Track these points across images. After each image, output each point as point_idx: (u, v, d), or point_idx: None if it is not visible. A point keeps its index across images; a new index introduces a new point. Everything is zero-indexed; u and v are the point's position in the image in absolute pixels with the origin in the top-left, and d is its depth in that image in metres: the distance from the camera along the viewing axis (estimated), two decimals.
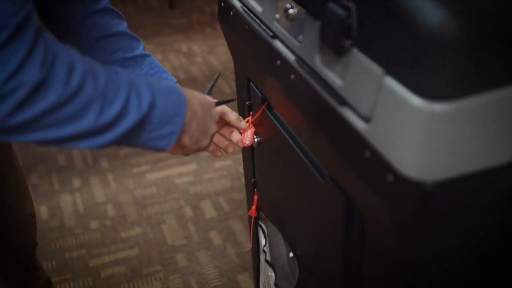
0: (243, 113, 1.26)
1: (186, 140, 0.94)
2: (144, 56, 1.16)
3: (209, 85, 1.14)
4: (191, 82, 3.30)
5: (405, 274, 0.79)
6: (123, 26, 1.15)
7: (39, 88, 0.69)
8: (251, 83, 1.17)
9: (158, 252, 2.23)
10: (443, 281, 0.80)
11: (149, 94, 0.83)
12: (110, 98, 0.77)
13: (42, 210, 2.45)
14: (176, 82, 1.12)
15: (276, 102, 1.07)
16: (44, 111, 0.71)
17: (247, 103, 1.21)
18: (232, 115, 1.12)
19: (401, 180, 0.67)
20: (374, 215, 0.78)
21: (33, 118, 0.70)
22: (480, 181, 0.68)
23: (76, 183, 2.61)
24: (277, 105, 1.07)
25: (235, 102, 1.25)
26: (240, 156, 1.41)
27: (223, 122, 1.14)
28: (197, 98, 0.97)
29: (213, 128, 1.01)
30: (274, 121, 1.07)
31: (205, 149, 1.02)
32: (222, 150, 1.18)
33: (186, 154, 1.03)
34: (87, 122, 0.76)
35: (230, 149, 1.19)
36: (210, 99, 1.03)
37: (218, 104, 1.09)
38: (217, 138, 1.17)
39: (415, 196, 0.67)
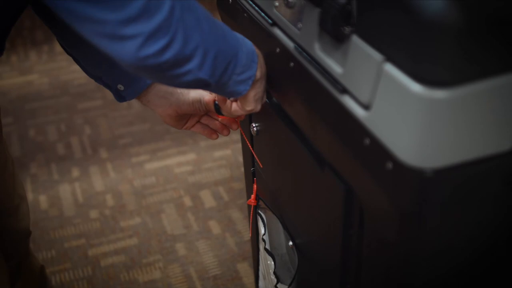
0: None
1: (251, 95, 0.98)
2: None
3: None
4: None
5: (405, 263, 0.78)
6: None
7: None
8: None
9: (158, 242, 2.23)
10: (444, 270, 0.79)
11: (235, 35, 0.92)
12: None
13: (41, 200, 2.44)
14: None
15: (275, 90, 1.06)
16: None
17: None
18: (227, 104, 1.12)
19: (400, 168, 0.66)
20: (373, 203, 0.78)
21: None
22: (481, 169, 0.68)
23: (75, 172, 2.60)
24: (276, 93, 1.06)
25: None
26: (240, 145, 1.41)
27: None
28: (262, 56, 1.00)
29: (265, 97, 1.04)
30: (274, 109, 1.06)
31: (254, 111, 1.03)
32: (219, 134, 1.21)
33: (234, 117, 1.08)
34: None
35: (225, 131, 1.21)
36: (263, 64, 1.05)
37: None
38: (207, 120, 1.19)
39: (415, 184, 0.66)
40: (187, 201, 2.41)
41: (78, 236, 2.27)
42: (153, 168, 2.61)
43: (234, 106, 1.03)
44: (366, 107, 0.72)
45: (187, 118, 1.16)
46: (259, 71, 0.96)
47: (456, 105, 0.64)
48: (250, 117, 1.21)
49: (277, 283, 1.21)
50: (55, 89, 3.25)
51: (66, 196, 2.46)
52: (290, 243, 1.16)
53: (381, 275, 0.84)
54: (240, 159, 2.43)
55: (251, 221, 1.38)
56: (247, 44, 0.94)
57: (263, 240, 1.26)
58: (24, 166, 2.63)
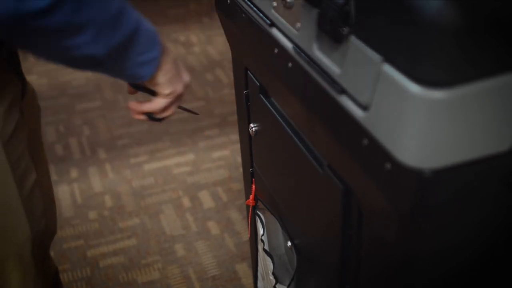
0: (240, 103, 1.25)
1: (160, 74, 0.92)
2: None
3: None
4: (189, 72, 3.28)
5: (404, 264, 0.78)
6: None
7: None
8: (248, 72, 1.16)
9: (156, 242, 2.23)
10: (443, 271, 0.79)
11: (135, 13, 0.85)
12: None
13: None
14: None
15: (273, 91, 1.06)
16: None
17: (244, 92, 1.20)
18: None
19: (399, 168, 0.66)
20: (372, 204, 0.78)
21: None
22: (480, 169, 0.68)
23: (74, 173, 2.60)
24: (274, 93, 1.06)
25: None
26: (238, 146, 1.41)
27: None
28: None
29: (186, 78, 0.99)
30: (272, 110, 1.06)
31: (178, 98, 0.99)
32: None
33: (153, 117, 1.00)
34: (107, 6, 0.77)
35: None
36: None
37: (181, 108, 1.09)
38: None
39: (413, 184, 0.66)
40: (186, 202, 2.41)
41: (77, 237, 2.27)
42: (152, 168, 2.60)
43: (155, 101, 0.98)
44: (364, 107, 0.72)
45: None
46: (161, 49, 0.91)
47: (454, 105, 0.64)
48: (249, 117, 1.21)
49: (276, 283, 1.21)
50: (54, 90, 3.25)
51: (64, 197, 2.46)
52: (289, 243, 1.16)
53: (380, 275, 0.84)
54: (239, 159, 2.43)
55: (249, 221, 1.38)
56: (147, 23, 0.89)
57: (262, 241, 1.26)
58: None
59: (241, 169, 1.47)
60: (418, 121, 0.64)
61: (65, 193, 2.48)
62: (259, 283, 1.43)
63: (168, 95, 0.97)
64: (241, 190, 2.38)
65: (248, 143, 1.28)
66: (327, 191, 0.90)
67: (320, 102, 0.83)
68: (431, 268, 0.78)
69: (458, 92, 0.63)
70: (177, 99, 1.00)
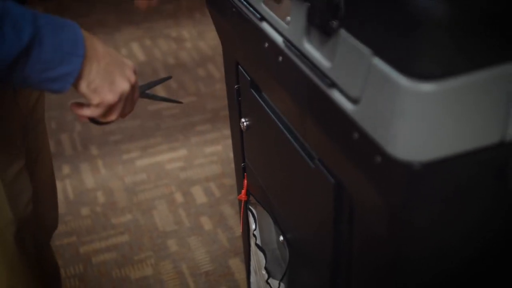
0: (231, 97, 1.25)
1: (83, 85, 0.85)
2: None
3: (153, 81, 1.08)
4: (181, 67, 3.28)
5: (396, 258, 0.78)
6: None
7: None
8: (239, 67, 1.16)
9: (149, 238, 2.22)
10: (435, 265, 0.79)
11: (31, 24, 0.76)
12: None
13: None
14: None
15: (264, 85, 1.06)
16: None
17: (235, 87, 1.20)
18: None
19: (389, 162, 0.66)
20: (363, 197, 0.78)
21: None
22: (470, 162, 0.68)
23: (66, 170, 2.59)
24: (265, 88, 1.06)
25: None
26: (230, 141, 1.41)
27: None
28: (106, 46, 0.88)
29: (123, 85, 0.89)
30: (263, 104, 1.06)
31: (113, 109, 0.90)
32: None
33: (96, 121, 0.93)
34: None
35: None
36: (129, 62, 0.94)
37: (151, 84, 1.04)
38: None
39: (403, 178, 0.66)
40: (179, 197, 2.41)
41: (69, 233, 2.27)
42: (144, 164, 2.60)
43: (85, 109, 0.91)
44: (354, 101, 0.71)
45: None
46: (87, 60, 0.83)
47: (444, 98, 0.64)
48: (240, 112, 1.21)
49: (268, 278, 1.21)
50: None
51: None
52: (281, 238, 1.16)
53: (372, 270, 0.84)
54: (231, 155, 2.43)
55: (241, 216, 1.38)
56: (62, 33, 0.80)
57: (254, 236, 1.26)
58: None
59: (233, 165, 1.47)
60: (408, 114, 0.64)
61: (57, 189, 2.47)
62: (252, 278, 1.43)
63: (96, 105, 0.89)
64: (233, 186, 2.38)
65: (239, 138, 1.28)
66: (318, 186, 0.90)
67: (310, 96, 0.83)
68: (424, 263, 0.78)
69: (448, 85, 0.63)
70: (112, 108, 0.91)
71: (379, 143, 0.67)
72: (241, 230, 1.41)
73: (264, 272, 1.22)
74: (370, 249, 0.82)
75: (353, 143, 0.72)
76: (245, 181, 1.30)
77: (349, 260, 0.90)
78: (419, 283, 0.81)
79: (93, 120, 0.93)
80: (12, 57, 0.75)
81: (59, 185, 2.50)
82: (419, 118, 0.64)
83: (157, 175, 2.53)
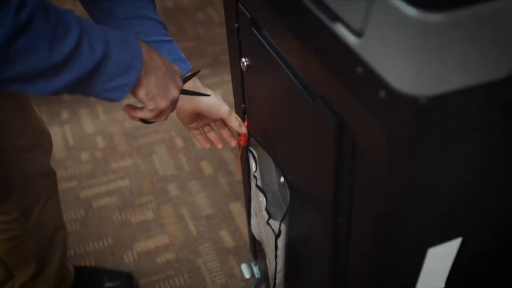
0: (231, 37, 1.22)
1: (142, 93, 0.93)
2: (164, 42, 1.15)
3: (184, 77, 1.13)
4: (180, 11, 3.23)
5: (397, 196, 0.77)
6: (151, 9, 1.15)
7: None
8: (239, 4, 1.13)
9: (150, 183, 2.23)
10: (437, 204, 0.78)
11: (103, 42, 0.82)
12: (60, 36, 0.75)
13: None
14: (191, 72, 1.16)
15: (265, 23, 1.03)
16: None
17: (235, 25, 1.17)
18: (234, 121, 1.19)
19: (394, 96, 0.64)
20: (366, 134, 0.76)
21: None
22: (476, 96, 0.66)
23: (65, 115, 2.58)
24: (266, 25, 1.03)
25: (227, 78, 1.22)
26: (231, 86, 1.39)
27: (221, 122, 1.23)
28: (161, 56, 0.97)
29: (174, 93, 0.99)
30: (264, 42, 1.03)
31: (163, 112, 0.99)
32: (211, 143, 1.28)
33: (145, 120, 1.01)
34: (38, 59, 0.74)
35: (220, 145, 1.28)
36: (177, 68, 1.03)
37: (185, 93, 1.10)
38: (208, 129, 1.25)
39: (408, 112, 0.64)
40: (179, 142, 2.40)
41: (70, 178, 2.27)
42: None
43: (142, 110, 0.99)
44: (358, 34, 0.69)
45: (198, 120, 1.21)
46: (142, 71, 0.89)
47: (452, 29, 0.61)
48: (240, 51, 1.19)
49: (268, 219, 1.21)
50: None
51: (56, 139, 2.44)
52: (282, 179, 1.15)
53: (374, 209, 0.83)
54: (232, 99, 2.41)
55: (240, 156, 1.37)
56: (125, 47, 0.87)
57: (255, 177, 1.25)
58: None
59: (234, 109, 1.45)
60: (414, 46, 0.62)
61: (56, 135, 2.47)
62: (253, 220, 1.43)
63: (151, 110, 0.97)
64: (234, 131, 2.37)
65: (239, 78, 1.26)
66: (320, 124, 0.89)
67: (313, 31, 0.81)
68: (427, 202, 0.77)
69: (456, 16, 0.61)
70: (163, 111, 1.00)
71: (384, 77, 0.65)
72: (238, 170, 1.40)
73: (264, 213, 1.21)
74: (372, 188, 0.81)
75: (356, 78, 0.70)
76: (245, 123, 1.28)
77: (351, 199, 0.89)
78: (422, 223, 0.81)
79: (143, 120, 1.02)
80: (85, 73, 0.80)
81: (58, 130, 2.49)
82: (425, 50, 0.62)
83: None
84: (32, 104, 1.41)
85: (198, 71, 1.16)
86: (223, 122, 1.24)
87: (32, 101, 1.40)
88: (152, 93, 0.94)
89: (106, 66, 0.82)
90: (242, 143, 1.28)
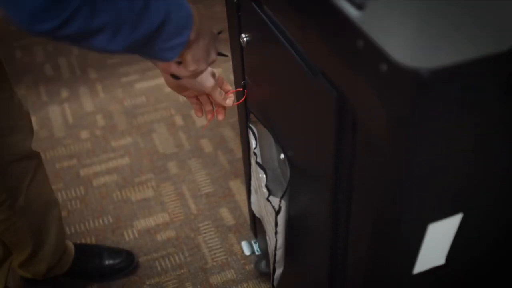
0: (231, 13, 1.21)
1: (189, 56, 0.96)
2: None
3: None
4: None
5: (399, 172, 0.77)
6: None
7: None
8: None
9: (149, 161, 2.22)
10: (438, 180, 0.78)
11: (164, 3, 0.83)
12: None
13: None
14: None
15: None
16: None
17: (235, 0, 1.16)
18: (217, 96, 1.16)
19: (396, 69, 0.64)
20: (367, 109, 0.76)
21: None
22: (479, 70, 0.65)
23: (64, 93, 2.57)
24: (266, 0, 1.02)
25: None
26: (231, 64, 1.38)
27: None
28: (206, 21, 0.98)
29: (214, 56, 1.03)
30: (264, 17, 1.02)
31: (199, 73, 1.03)
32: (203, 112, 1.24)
33: (176, 76, 1.03)
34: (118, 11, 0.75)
35: (209, 116, 1.23)
36: (214, 30, 1.04)
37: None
38: (204, 99, 1.22)
39: (410, 86, 0.64)
40: (178, 120, 2.39)
41: (70, 156, 2.26)
42: (143, 87, 2.57)
43: (179, 67, 1.02)
44: (359, 6, 0.68)
45: (188, 90, 1.18)
46: (193, 34, 0.92)
47: (455, 2, 0.61)
48: (240, 27, 1.18)
49: (268, 195, 1.21)
50: None
51: (56, 117, 2.44)
52: (282, 156, 1.15)
53: (374, 185, 0.83)
54: (232, 77, 2.40)
55: (241, 133, 1.37)
56: (181, 9, 0.88)
57: (255, 154, 1.25)
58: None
59: (234, 86, 1.44)
60: (417, 18, 0.61)
61: (56, 114, 2.46)
62: (253, 198, 1.43)
63: (191, 70, 1.00)
64: (233, 108, 2.36)
65: (239, 55, 1.25)
66: (320, 100, 0.88)
67: (313, 4, 0.80)
68: (427, 178, 0.77)
69: None
70: (199, 74, 1.04)
71: (385, 50, 0.65)
72: (237, 118, 1.39)
73: (265, 190, 1.21)
74: (372, 163, 0.81)
75: (357, 52, 0.70)
76: (245, 97, 1.28)
77: (351, 175, 0.88)
78: (422, 199, 0.81)
79: (174, 76, 1.05)
80: (151, 31, 0.82)
81: (57, 109, 2.48)
82: (427, 22, 0.61)
83: (156, 98, 2.50)
84: (12, 86, 1.38)
85: (221, 31, 1.15)
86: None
87: (12, 83, 1.38)
88: (198, 56, 0.97)
89: (167, 27, 0.84)
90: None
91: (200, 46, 0.97)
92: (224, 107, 1.20)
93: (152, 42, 0.85)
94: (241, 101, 1.28)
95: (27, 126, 1.46)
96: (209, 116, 1.22)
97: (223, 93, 1.17)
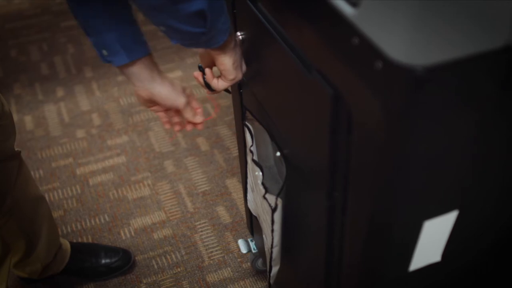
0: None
1: (230, 62, 1.05)
2: None
3: None
4: None
5: (394, 169, 0.77)
6: None
7: None
8: None
9: (146, 159, 2.22)
10: (434, 175, 0.78)
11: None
12: None
13: (27, 120, 2.42)
14: None
15: None
16: None
17: None
18: (188, 113, 1.15)
19: (391, 67, 0.64)
20: (362, 107, 0.76)
21: None
22: (473, 66, 0.65)
23: (60, 92, 2.56)
24: None
25: None
26: None
27: None
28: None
29: (244, 67, 1.12)
30: (259, 15, 1.02)
31: (237, 80, 1.11)
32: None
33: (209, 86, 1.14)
34: None
35: (177, 127, 1.21)
36: None
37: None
38: (171, 113, 1.18)
39: (405, 83, 0.64)
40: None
41: (66, 155, 2.26)
42: None
43: (220, 81, 1.11)
44: (354, 4, 0.68)
45: (157, 104, 1.15)
46: (231, 39, 1.01)
47: None
48: (235, 25, 1.18)
49: (265, 193, 1.21)
50: (36, 8, 3.16)
51: (51, 116, 2.44)
52: (278, 153, 1.15)
53: (370, 181, 0.83)
54: None
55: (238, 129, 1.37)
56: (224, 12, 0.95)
57: (251, 151, 1.25)
58: (8, 87, 2.59)
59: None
60: (411, 15, 0.61)
61: (51, 112, 2.46)
62: (249, 196, 1.43)
63: (231, 80, 1.09)
64: (230, 106, 2.36)
65: None
66: (316, 97, 0.88)
67: (308, 2, 0.80)
68: (423, 173, 0.77)
69: None
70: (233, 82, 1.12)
71: (380, 47, 0.65)
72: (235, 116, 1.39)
73: (261, 187, 1.21)
74: (368, 160, 0.81)
75: (352, 49, 0.70)
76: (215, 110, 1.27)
77: (347, 172, 0.88)
78: (417, 196, 0.81)
79: (208, 86, 1.15)
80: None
81: (53, 108, 2.48)
82: (422, 20, 0.61)
83: None
84: None
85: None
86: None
87: (4, 83, 1.36)
88: (237, 63, 1.07)
89: (224, 6, 0.93)
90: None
91: (238, 53, 1.06)
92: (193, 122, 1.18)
93: (218, 15, 0.92)
94: (210, 117, 1.27)
95: (10, 125, 1.45)
96: (177, 127, 1.19)
97: (193, 109, 1.15)
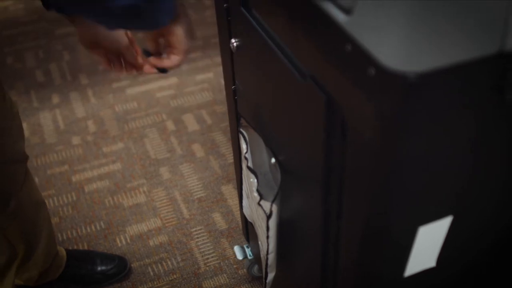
0: (221, 17, 1.21)
1: (180, 31, 0.99)
2: None
3: None
4: None
5: (388, 174, 0.77)
6: None
7: None
8: None
9: (141, 166, 2.22)
10: (428, 180, 0.78)
11: None
12: None
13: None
14: None
15: (255, 3, 1.03)
16: None
17: (224, 5, 1.16)
18: (129, 57, 1.12)
19: (383, 73, 0.64)
20: (356, 113, 0.76)
21: None
22: (467, 72, 0.66)
23: (55, 99, 2.56)
24: (256, 5, 1.03)
25: None
26: (221, 68, 1.38)
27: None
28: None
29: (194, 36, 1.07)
30: (253, 22, 1.03)
31: (189, 50, 1.05)
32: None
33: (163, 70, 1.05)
34: None
35: (120, 70, 1.17)
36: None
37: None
38: (113, 58, 1.15)
39: (398, 89, 0.64)
40: (170, 125, 2.39)
41: (61, 162, 2.26)
42: (135, 93, 2.57)
43: (172, 57, 1.05)
44: (347, 11, 0.69)
45: (99, 47, 1.13)
46: (180, 6, 0.96)
47: (440, 5, 0.61)
48: (230, 32, 1.18)
49: (260, 200, 1.21)
50: (32, 14, 3.17)
51: (47, 123, 2.44)
52: (273, 160, 1.15)
53: (364, 187, 0.83)
54: (222, 81, 2.40)
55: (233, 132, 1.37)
56: None
57: (246, 158, 1.25)
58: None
59: (224, 92, 1.45)
60: (404, 23, 0.61)
61: (47, 120, 2.45)
62: (244, 202, 1.43)
63: (185, 51, 1.03)
64: (225, 113, 2.36)
65: (229, 60, 1.25)
66: (310, 104, 0.88)
67: (302, 9, 0.80)
68: (417, 178, 0.77)
69: None
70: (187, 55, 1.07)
71: (373, 54, 0.65)
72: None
73: (256, 194, 1.21)
74: (362, 166, 0.81)
75: (346, 56, 0.70)
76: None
77: (341, 178, 0.89)
78: (411, 201, 0.81)
79: (160, 70, 1.08)
80: None
81: (49, 115, 2.48)
82: (415, 26, 0.61)
83: (148, 103, 2.50)
84: (4, 86, 1.38)
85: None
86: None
87: (4, 85, 1.37)
88: (189, 29, 1.01)
89: None
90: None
91: (188, 20, 1.00)
92: (135, 67, 1.15)
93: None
94: (153, 71, 1.23)
95: (19, 127, 1.46)
96: (118, 69, 1.17)
97: (135, 54, 1.12)
